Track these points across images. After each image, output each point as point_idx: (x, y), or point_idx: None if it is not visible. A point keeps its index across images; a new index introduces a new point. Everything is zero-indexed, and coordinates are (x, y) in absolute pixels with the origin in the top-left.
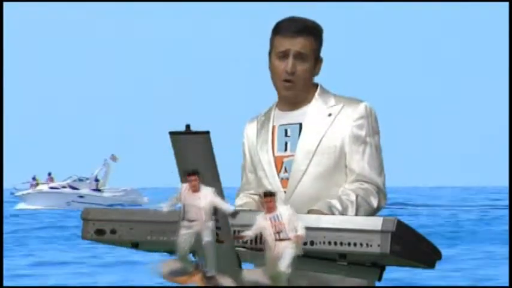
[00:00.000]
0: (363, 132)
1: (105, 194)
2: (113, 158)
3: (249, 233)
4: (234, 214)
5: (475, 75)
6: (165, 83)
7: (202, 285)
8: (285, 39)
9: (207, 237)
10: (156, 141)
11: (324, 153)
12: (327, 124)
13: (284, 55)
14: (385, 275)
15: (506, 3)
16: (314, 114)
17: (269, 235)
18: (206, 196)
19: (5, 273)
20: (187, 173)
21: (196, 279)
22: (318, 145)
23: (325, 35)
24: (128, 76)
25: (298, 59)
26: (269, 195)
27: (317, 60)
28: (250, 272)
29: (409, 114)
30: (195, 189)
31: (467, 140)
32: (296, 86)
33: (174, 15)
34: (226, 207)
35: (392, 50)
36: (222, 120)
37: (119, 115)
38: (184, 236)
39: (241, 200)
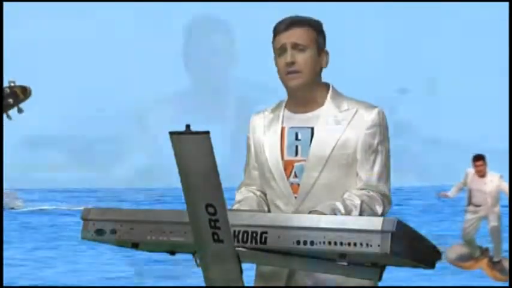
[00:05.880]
0: (375, 141)
1: None
2: None
3: None
4: None
5: (474, 75)
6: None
7: (488, 270)
8: (280, 36)
9: (494, 221)
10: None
11: (337, 160)
12: (340, 130)
13: (283, 50)
14: (385, 275)
15: (506, 3)
16: (327, 119)
17: None
18: (493, 181)
19: None
20: (474, 158)
21: (483, 264)
22: (331, 152)
23: (329, 36)
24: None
25: (296, 49)
26: None
27: (321, 52)
28: None
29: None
30: (482, 174)
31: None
32: (301, 76)
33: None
34: None
35: (392, 50)
36: (221, 120)
37: None
38: (471, 221)
39: (242, 195)
